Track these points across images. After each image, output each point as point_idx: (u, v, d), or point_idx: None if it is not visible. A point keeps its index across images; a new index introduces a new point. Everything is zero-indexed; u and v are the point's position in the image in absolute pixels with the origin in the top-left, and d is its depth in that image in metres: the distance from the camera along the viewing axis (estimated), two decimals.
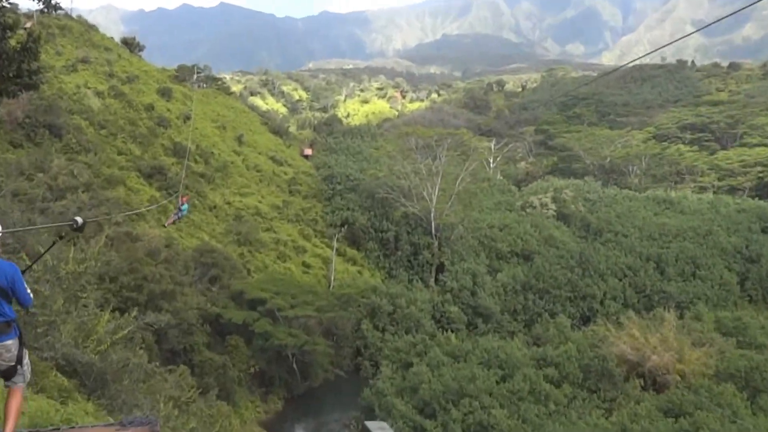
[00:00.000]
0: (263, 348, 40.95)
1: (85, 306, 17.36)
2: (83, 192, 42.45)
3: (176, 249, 42.50)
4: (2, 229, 7.33)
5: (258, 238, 56.25)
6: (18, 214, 25.87)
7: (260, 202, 65.79)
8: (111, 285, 31.02)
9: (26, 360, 7.49)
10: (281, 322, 42.20)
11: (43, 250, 17.79)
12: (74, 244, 18.86)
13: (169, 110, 71.45)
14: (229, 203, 61.78)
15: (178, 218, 19.62)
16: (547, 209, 72.22)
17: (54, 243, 8.18)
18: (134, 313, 19.66)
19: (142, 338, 23.58)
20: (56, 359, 14.20)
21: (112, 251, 31.83)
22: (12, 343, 7.18)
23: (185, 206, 19.20)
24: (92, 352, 15.46)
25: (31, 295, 7.24)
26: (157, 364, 21.76)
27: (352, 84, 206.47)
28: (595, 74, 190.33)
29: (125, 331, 17.67)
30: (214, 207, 59.55)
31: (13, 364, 7.23)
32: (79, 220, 7.45)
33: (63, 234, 8.36)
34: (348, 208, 67.87)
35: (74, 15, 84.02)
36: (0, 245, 7.60)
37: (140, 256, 35.46)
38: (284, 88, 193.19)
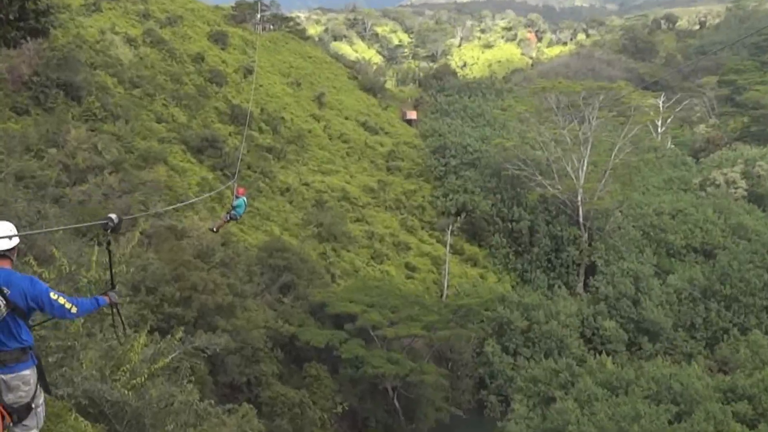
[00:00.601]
0: (353, 379, 41.05)
1: (113, 326, 17.52)
2: (110, 173, 43.54)
3: (236, 248, 42.89)
4: (11, 229, 7.66)
5: (345, 231, 56.78)
6: (23, 204, 26.37)
7: (348, 182, 66.26)
8: (149, 297, 31.51)
9: (42, 399, 7.83)
10: (377, 345, 42.32)
11: (56, 251, 18.28)
12: (98, 243, 19.03)
13: (224, 62, 72.83)
14: (306, 185, 62.77)
15: (231, 219, 19.27)
16: (736, 188, 70.89)
17: (109, 249, 8.71)
18: (180, 334, 19.66)
19: (191, 368, 23.58)
20: (76, 397, 14.20)
21: (149, 252, 32.44)
22: (29, 373, 7.65)
23: (241, 203, 18.80)
24: (124, 387, 15.44)
25: (68, 305, 7.65)
26: (212, 402, 21.75)
27: (469, 23, 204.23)
28: None
29: (168, 359, 17.71)
30: (287, 190, 60.32)
31: (27, 401, 7.61)
32: (114, 217, 7.80)
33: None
34: (466, 190, 67.76)
35: None
36: (13, 255, 7.84)
37: (187, 259, 35.93)
38: (378, 30, 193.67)
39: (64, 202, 37.20)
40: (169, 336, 19.45)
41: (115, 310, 8.98)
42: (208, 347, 22.32)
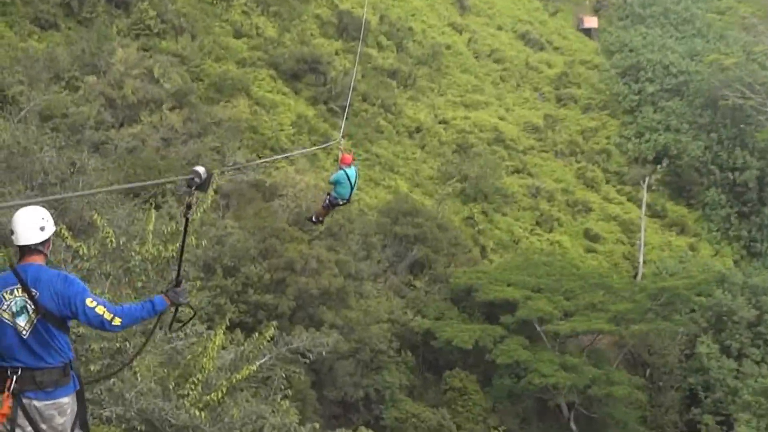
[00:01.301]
0: (513, 394, 41.05)
1: (179, 321, 17.63)
2: (171, 109, 44.43)
3: (348, 212, 42.88)
4: (43, 218, 7.81)
5: (499, 187, 56.71)
6: (51, 153, 26.63)
7: (502, 119, 65.71)
8: (227, 281, 31.85)
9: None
10: (546, 345, 42.17)
11: (97, 217, 18.38)
12: (156, 207, 19.14)
13: None
14: (444, 123, 62.68)
15: (334, 206, 18.68)
16: None
17: (188, 218, 8.62)
18: (271, 331, 19.73)
19: (286, 378, 23.74)
20: (128, 420, 14.54)
21: (226, 218, 32.59)
22: (68, 402, 7.93)
23: (341, 176, 18.08)
24: (194, 406, 15.61)
25: (108, 316, 7.82)
26: (317, 426, 21.82)
27: None
28: None
29: (255, 366, 17.87)
30: (417, 130, 60.35)
31: None
32: (201, 170, 7.92)
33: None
34: (668, 128, 66.72)
35: None
36: (47, 248, 8.10)
37: (280, 227, 36.16)
38: None
39: (107, 149, 37.63)
40: (257, 334, 19.54)
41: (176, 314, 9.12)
42: (311, 350, 22.38)
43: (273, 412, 18.27)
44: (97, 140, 38.20)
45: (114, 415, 14.26)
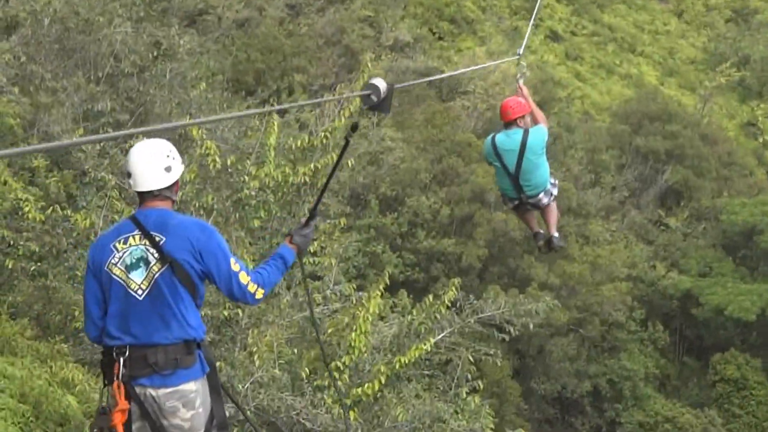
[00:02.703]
0: None
1: (319, 277, 17.63)
2: None
3: (566, 114, 42.47)
4: (169, 152, 8.28)
5: None
6: (125, 26, 27.03)
7: None
8: (385, 218, 31.95)
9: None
10: None
11: (195, 132, 18.47)
12: (279, 112, 19.29)
13: None
14: None
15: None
16: None
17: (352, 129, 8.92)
18: (452, 293, 19.70)
19: (475, 364, 23.88)
20: (241, 422, 14.94)
21: (383, 127, 32.61)
22: (194, 389, 8.39)
23: (514, 140, 17.79)
24: (338, 403, 15.72)
25: (252, 288, 8.31)
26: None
27: None
28: None
29: (428, 345, 17.87)
30: None
31: None
32: (381, 84, 8.04)
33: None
34: None
35: None
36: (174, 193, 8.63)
37: (464, 139, 36.20)
38: None
39: (207, 23, 38.43)
40: (430, 298, 19.55)
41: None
42: (511, 322, 22.41)
43: (456, 413, 18.27)
44: (191, 9, 38.77)
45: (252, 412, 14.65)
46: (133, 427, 8.16)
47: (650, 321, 41.44)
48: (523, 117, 15.16)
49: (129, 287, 7.90)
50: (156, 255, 7.83)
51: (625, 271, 40.69)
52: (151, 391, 7.98)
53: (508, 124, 15.15)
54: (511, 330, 23.19)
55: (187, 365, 8.10)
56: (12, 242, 17.46)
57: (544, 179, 15.63)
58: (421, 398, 17.53)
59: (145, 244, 7.89)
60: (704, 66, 53.06)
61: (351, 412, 15.63)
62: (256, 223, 17.17)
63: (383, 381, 16.42)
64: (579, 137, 42.38)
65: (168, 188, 8.11)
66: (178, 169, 8.14)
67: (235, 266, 8.04)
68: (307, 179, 16.80)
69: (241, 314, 15.41)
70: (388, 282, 19.57)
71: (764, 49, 52.76)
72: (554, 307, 30.17)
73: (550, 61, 56.84)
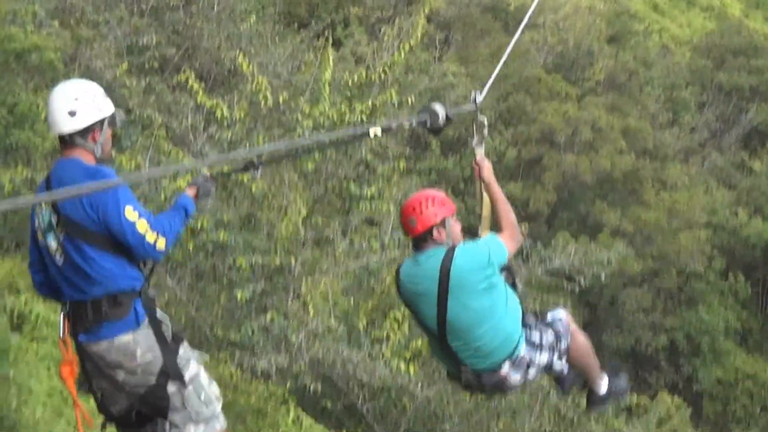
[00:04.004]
0: None
1: (376, 223, 17.53)
2: None
3: (640, 46, 42.22)
4: (84, 94, 8.05)
5: None
6: None
7: None
8: (447, 160, 31.74)
9: (191, 372, 8.71)
10: None
11: (241, 58, 18.40)
12: (334, 44, 19.09)
13: None
14: None
15: None
16: None
17: None
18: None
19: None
20: (295, 375, 14.86)
21: (445, 61, 32.40)
22: (129, 340, 8.40)
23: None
24: (399, 355, 15.73)
25: (152, 237, 8.14)
26: None
27: None
28: None
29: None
30: None
31: (152, 383, 8.48)
32: (441, 113, 8.94)
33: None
34: None
35: None
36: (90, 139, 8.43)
37: (533, 75, 36.09)
38: None
39: None
40: None
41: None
42: (582, 271, 22.57)
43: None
44: None
45: (274, 368, 14.39)
46: (93, 382, 8.45)
47: (731, 271, 41.41)
48: (442, 224, 9.52)
49: (50, 252, 8.00)
50: (55, 218, 7.88)
51: (705, 217, 40.13)
52: (93, 347, 8.16)
53: (417, 241, 9.70)
54: (582, 280, 23.14)
55: (117, 317, 8.17)
56: None
57: (502, 338, 9.62)
58: None
59: (49, 206, 7.92)
60: None
61: (410, 365, 15.55)
62: (310, 165, 17.05)
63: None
64: (656, 73, 42.09)
65: (80, 135, 7.97)
66: (87, 114, 7.88)
67: (131, 215, 7.91)
68: (364, 117, 16.68)
69: (293, 262, 15.20)
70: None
71: None
72: (627, 255, 30.08)
73: None
